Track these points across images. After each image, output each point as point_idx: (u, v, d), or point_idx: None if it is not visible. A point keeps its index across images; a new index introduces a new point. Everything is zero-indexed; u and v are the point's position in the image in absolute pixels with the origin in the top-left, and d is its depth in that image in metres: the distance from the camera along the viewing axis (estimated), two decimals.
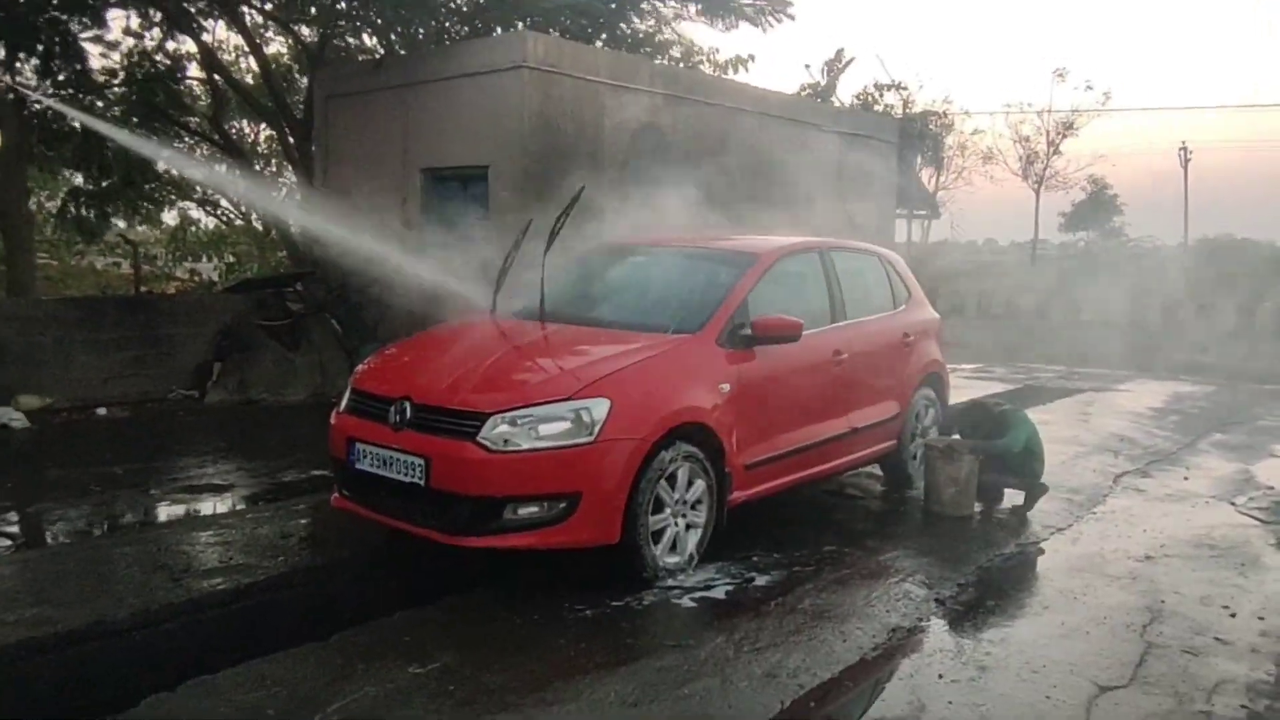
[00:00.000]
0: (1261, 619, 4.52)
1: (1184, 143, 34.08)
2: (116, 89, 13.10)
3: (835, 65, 22.94)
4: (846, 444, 5.99)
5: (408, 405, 4.53)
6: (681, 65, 15.09)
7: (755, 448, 5.16)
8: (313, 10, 12.33)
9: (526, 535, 4.33)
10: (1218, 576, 5.11)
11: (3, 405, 8.09)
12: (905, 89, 27.30)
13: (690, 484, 4.74)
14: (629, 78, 10.34)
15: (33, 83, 11.69)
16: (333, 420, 4.99)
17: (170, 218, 18.39)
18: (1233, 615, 4.56)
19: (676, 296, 5.52)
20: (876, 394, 6.32)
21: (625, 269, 6.20)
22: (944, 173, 31.24)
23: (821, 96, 22.01)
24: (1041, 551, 5.54)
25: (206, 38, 13.64)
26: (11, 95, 11.02)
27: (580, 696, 3.50)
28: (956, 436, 6.53)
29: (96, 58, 12.64)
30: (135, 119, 12.86)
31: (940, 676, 3.79)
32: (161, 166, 14.08)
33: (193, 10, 12.45)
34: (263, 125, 17.89)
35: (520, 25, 12.04)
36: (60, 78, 11.66)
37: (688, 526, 4.79)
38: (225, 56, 16.44)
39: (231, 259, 17.96)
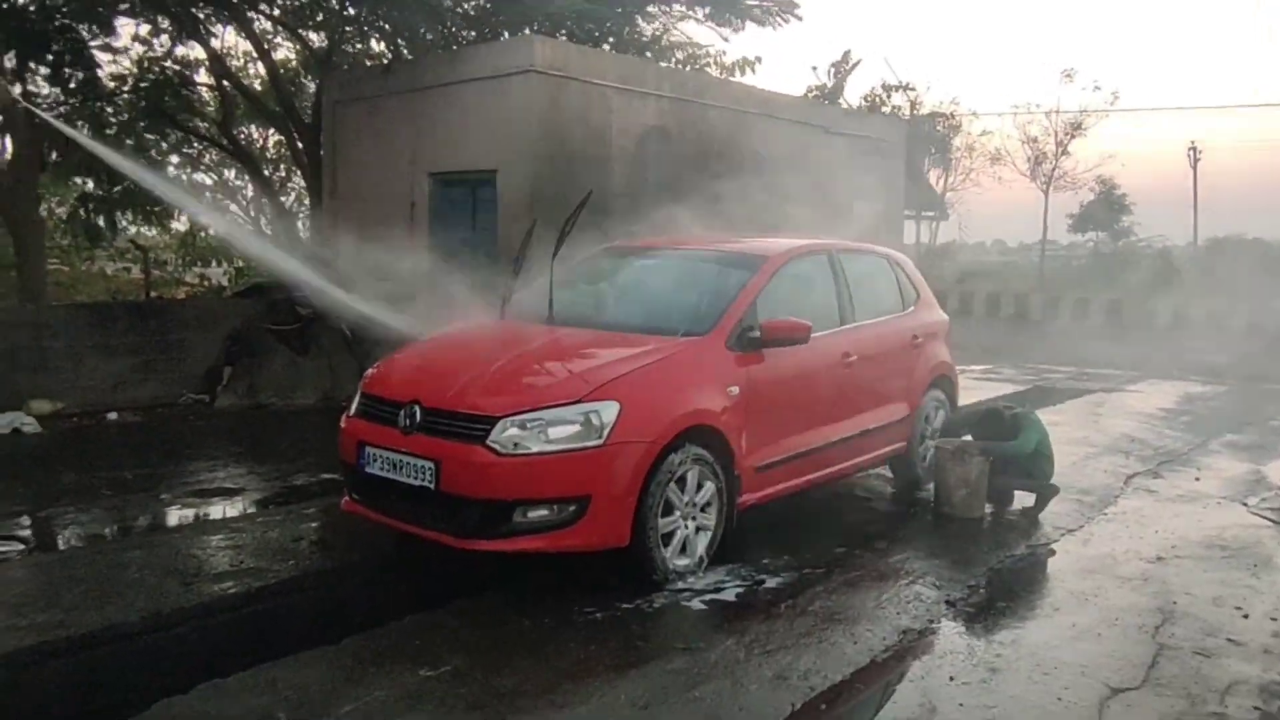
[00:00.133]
0: (1274, 620, 4.50)
1: (1193, 142, 33.92)
2: (126, 95, 13.17)
3: (842, 67, 22.95)
4: (856, 446, 5.98)
5: (417, 409, 4.53)
6: (688, 68, 15.11)
7: (765, 450, 5.16)
8: (321, 16, 12.40)
9: (536, 538, 4.34)
10: (1230, 577, 5.08)
11: (14, 410, 8.13)
12: (913, 90, 27.35)
13: (700, 486, 4.74)
14: (636, 81, 10.37)
15: (44, 90, 11.78)
16: (342, 424, 5.01)
17: (180, 223, 18.47)
18: (1245, 616, 4.53)
19: (685, 299, 5.52)
20: (886, 396, 6.31)
21: (633, 271, 6.20)
22: (952, 174, 31.25)
23: (829, 98, 22.01)
24: (1052, 553, 5.52)
25: (215, 43, 13.78)
26: (22, 104, 11.08)
27: (591, 699, 3.50)
28: (968, 438, 6.51)
29: (106, 64, 12.75)
30: (144, 124, 12.93)
31: (951, 678, 3.78)
32: (171, 172, 14.15)
33: (201, 16, 12.54)
34: (271, 130, 18.01)
35: (528, 30, 12.09)
36: (70, 85, 11.73)
37: (697, 529, 4.78)
38: (234, 62, 16.58)
39: (241, 263, 18.01)
